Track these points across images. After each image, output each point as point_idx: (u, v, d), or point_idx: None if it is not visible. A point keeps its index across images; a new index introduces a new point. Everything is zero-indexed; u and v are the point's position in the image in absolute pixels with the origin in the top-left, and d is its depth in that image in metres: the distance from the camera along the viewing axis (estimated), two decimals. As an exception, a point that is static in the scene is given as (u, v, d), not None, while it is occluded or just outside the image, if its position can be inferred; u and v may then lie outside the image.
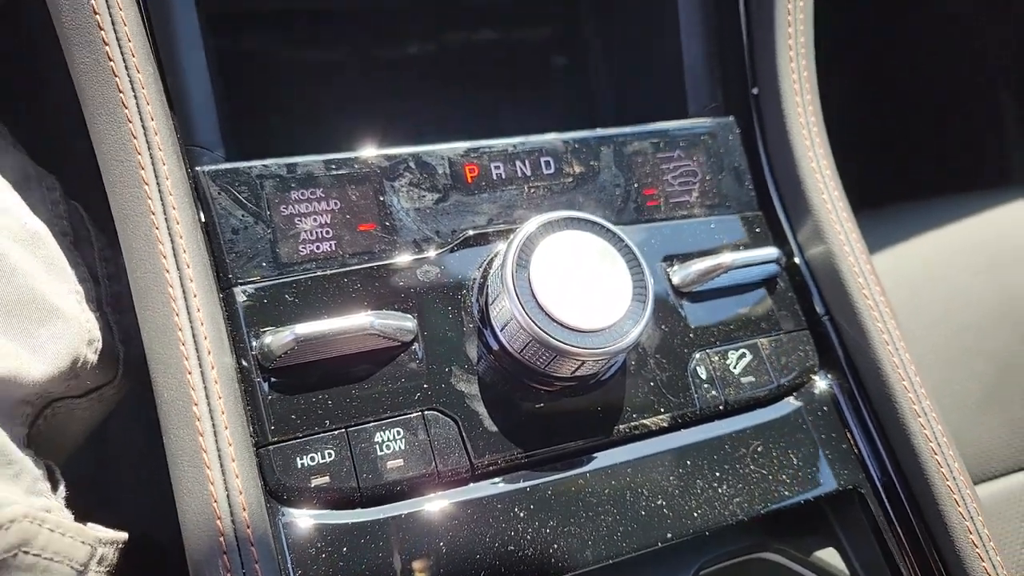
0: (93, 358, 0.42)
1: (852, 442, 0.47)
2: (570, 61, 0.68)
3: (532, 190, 0.47)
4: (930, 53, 1.32)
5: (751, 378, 0.46)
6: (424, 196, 0.45)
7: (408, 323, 0.41)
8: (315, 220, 0.42)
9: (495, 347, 0.42)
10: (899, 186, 1.29)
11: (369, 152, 0.44)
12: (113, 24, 0.37)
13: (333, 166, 0.43)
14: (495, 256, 0.44)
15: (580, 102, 0.67)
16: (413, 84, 0.65)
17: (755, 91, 0.53)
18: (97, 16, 0.36)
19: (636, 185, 0.49)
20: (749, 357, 0.47)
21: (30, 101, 0.62)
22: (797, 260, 0.51)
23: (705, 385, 0.45)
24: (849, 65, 1.39)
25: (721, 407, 0.46)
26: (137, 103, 0.37)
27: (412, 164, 0.45)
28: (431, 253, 0.44)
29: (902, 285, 0.71)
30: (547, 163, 0.48)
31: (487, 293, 0.42)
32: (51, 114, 0.54)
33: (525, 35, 0.67)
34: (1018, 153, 1.23)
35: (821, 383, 0.49)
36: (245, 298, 0.40)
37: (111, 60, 0.36)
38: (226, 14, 0.57)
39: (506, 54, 0.67)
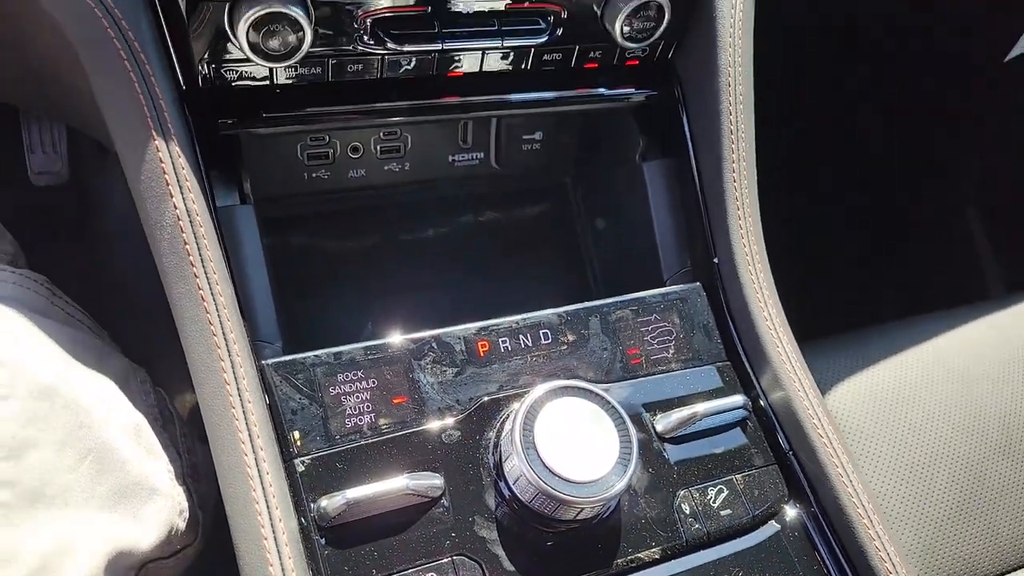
0: (182, 525, 0.51)
1: (821, 563, 0.54)
2: (563, 234, 0.80)
3: (534, 358, 0.57)
4: (894, 172, 1.44)
5: (729, 511, 0.54)
6: (445, 371, 0.54)
7: (436, 480, 0.50)
8: (358, 397, 0.52)
9: (509, 496, 0.50)
10: (870, 305, 1.39)
11: (399, 338, 0.55)
12: (202, 261, 0.48)
13: (371, 352, 0.53)
14: (506, 419, 0.53)
15: (574, 268, 0.79)
16: (432, 260, 0.77)
17: (716, 260, 0.63)
18: (190, 257, 0.47)
19: (621, 347, 0.59)
20: (726, 492, 0.55)
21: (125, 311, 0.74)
22: (763, 403, 0.60)
23: (689, 519, 0.53)
24: (817, 183, 1.51)
25: (704, 538, 0.53)
26: (220, 319, 0.48)
27: (434, 344, 0.55)
28: (452, 419, 0.53)
29: (876, 405, 0.78)
30: (545, 335, 0.58)
31: (500, 451, 0.51)
32: (143, 319, 0.65)
33: (524, 213, 0.80)
34: (988, 269, 1.33)
35: (791, 511, 0.57)
36: (304, 468, 0.49)
37: (200, 289, 0.47)
38: (279, 218, 0.70)
39: (508, 230, 0.79)
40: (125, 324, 0.65)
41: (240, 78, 0.53)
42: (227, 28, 0.49)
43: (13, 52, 0.60)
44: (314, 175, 0.70)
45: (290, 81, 0.54)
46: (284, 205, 0.72)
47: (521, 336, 0.57)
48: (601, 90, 0.64)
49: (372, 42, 0.54)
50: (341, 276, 0.75)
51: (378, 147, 0.71)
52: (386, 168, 0.72)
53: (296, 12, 0.48)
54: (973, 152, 1.35)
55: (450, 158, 0.74)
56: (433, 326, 0.56)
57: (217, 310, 0.48)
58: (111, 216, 1.26)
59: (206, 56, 0.51)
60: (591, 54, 0.62)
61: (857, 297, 1.42)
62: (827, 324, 0.89)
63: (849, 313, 1.20)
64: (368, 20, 0.53)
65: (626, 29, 0.59)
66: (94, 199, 1.28)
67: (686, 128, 0.65)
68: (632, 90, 0.65)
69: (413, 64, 0.56)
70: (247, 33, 0.48)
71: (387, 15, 0.53)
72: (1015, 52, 1.16)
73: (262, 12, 0.47)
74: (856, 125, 1.47)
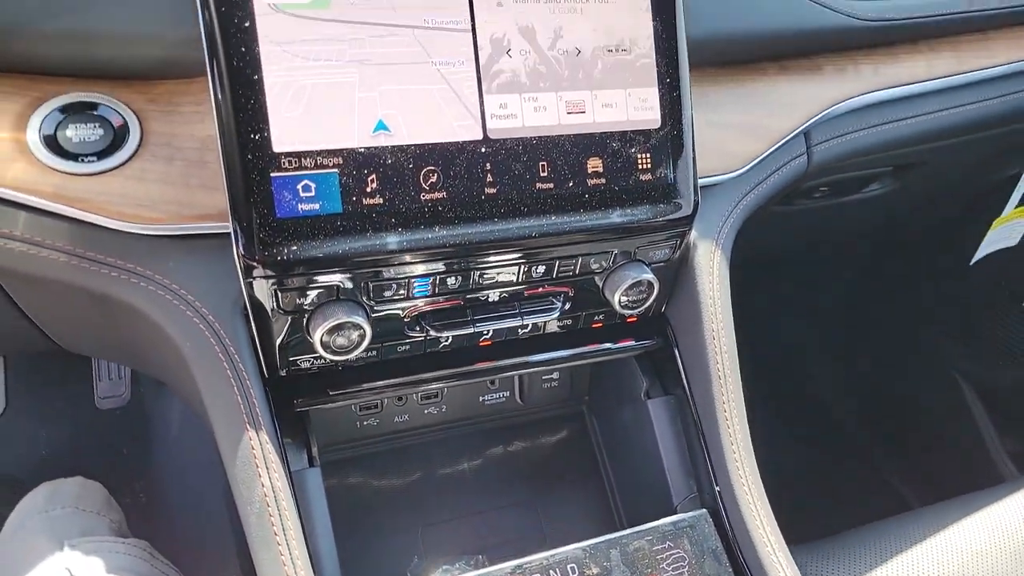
0: None
1: None
2: (584, 458, 0.90)
3: (564, 591, 0.65)
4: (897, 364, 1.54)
5: None
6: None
7: None
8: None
9: None
10: (883, 498, 1.43)
11: (443, 578, 0.63)
12: (284, 531, 0.58)
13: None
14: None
15: (596, 491, 0.88)
16: (469, 490, 0.86)
17: (718, 488, 0.72)
18: (274, 528, 0.57)
19: (639, 574, 0.67)
20: None
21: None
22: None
23: None
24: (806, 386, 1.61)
25: None
26: (297, 576, 0.57)
27: (476, 584, 0.63)
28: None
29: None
30: (572, 568, 0.66)
31: None
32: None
33: (547, 440, 0.90)
34: (998, 454, 1.39)
35: None
36: None
37: (282, 555, 0.57)
38: (333, 461, 0.81)
39: (535, 457, 0.89)
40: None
41: (312, 367, 0.65)
42: (305, 333, 0.62)
43: (105, 332, 0.72)
44: (365, 423, 0.81)
45: (352, 364, 0.67)
46: (338, 449, 0.83)
47: (551, 571, 0.65)
48: (607, 345, 0.77)
49: (417, 330, 0.67)
50: (388, 510, 0.84)
51: (419, 396, 0.83)
52: (426, 412, 0.84)
53: (359, 319, 0.61)
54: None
55: (480, 398, 0.86)
56: (474, 553, 0.64)
57: (296, 572, 0.57)
58: (167, 440, 1.37)
59: (288, 355, 0.63)
60: (595, 317, 0.74)
61: (874, 489, 1.47)
62: (832, 520, 0.95)
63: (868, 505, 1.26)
64: (414, 315, 0.66)
65: (623, 299, 0.71)
66: (153, 423, 1.40)
67: (681, 371, 0.76)
68: (632, 343, 0.77)
69: (450, 341, 0.69)
70: (321, 337, 0.61)
71: (428, 310, 0.66)
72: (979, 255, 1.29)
73: (333, 323, 0.60)
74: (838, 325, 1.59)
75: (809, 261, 1.53)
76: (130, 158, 0.58)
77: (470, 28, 0.62)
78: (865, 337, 1.58)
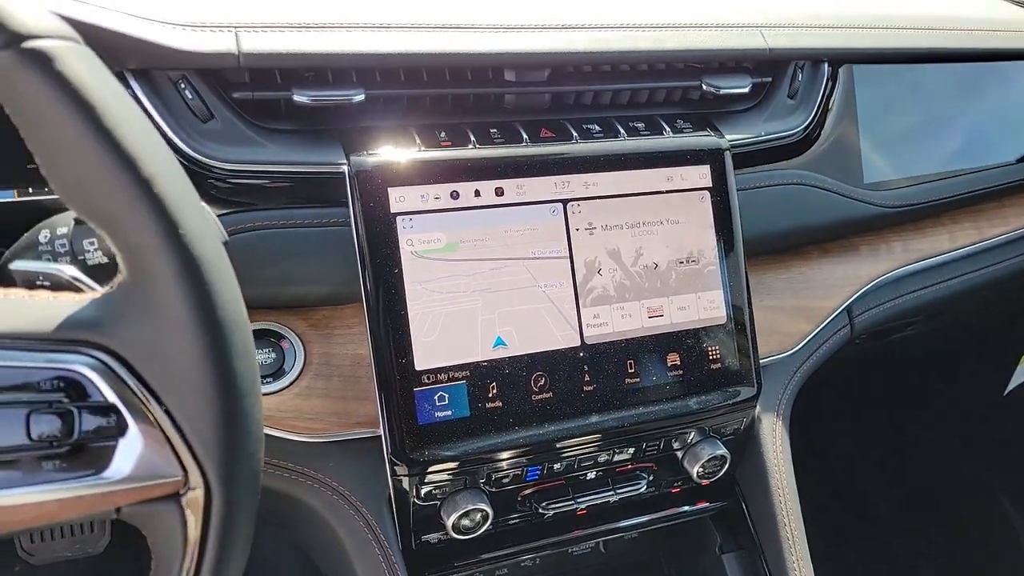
0: None
1: None
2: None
3: None
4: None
5: None
6: None
7: None
8: None
9: None
10: None
11: None
12: None
13: None
14: None
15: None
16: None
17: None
18: None
19: None
20: None
21: None
22: None
23: None
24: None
25: None
26: None
27: None
28: None
29: None
30: None
31: None
32: None
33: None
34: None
35: None
36: None
37: None
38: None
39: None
40: None
41: (439, 542, 0.76)
42: (438, 517, 0.73)
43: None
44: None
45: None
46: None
47: None
48: (685, 508, 0.86)
49: (527, 507, 0.77)
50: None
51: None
52: (522, 565, 0.93)
53: (482, 505, 0.72)
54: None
55: (570, 550, 0.95)
56: None
57: None
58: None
59: (422, 533, 0.74)
60: (674, 484, 0.85)
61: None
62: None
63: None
64: (525, 495, 0.77)
65: (700, 471, 0.81)
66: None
67: (752, 529, 0.86)
68: (707, 504, 0.87)
69: (552, 514, 0.79)
70: (451, 521, 0.72)
71: (534, 491, 0.77)
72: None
73: (462, 511, 0.71)
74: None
75: (856, 391, 1.61)
76: (297, 377, 0.71)
77: (568, 255, 0.75)
78: (911, 458, 1.64)
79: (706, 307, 0.80)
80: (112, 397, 0.41)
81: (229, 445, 0.41)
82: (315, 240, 0.71)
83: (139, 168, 0.38)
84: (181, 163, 0.69)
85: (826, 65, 0.90)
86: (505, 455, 0.72)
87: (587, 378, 0.75)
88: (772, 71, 0.88)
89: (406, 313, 0.69)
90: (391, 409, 0.68)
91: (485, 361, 0.71)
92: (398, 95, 0.74)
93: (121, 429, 0.41)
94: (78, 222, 0.53)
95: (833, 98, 0.91)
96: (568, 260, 0.75)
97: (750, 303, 0.81)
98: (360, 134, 0.71)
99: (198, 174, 0.67)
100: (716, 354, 0.80)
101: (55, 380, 0.41)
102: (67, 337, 0.41)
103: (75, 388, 0.41)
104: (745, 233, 0.82)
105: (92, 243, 0.52)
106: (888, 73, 0.97)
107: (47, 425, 0.40)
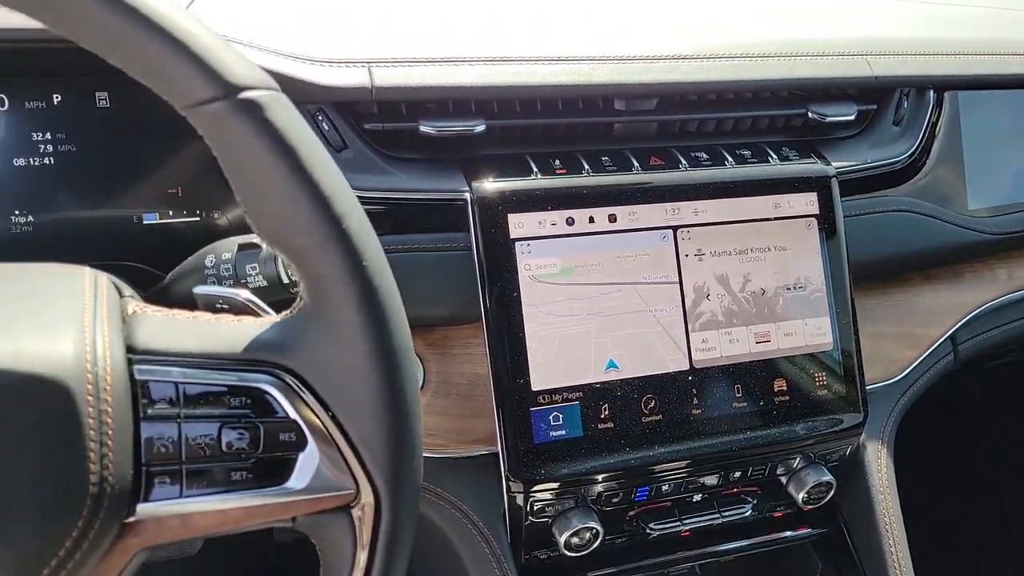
0: None
1: None
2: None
3: None
4: None
5: None
6: None
7: None
8: None
9: None
10: None
11: None
12: None
13: None
14: None
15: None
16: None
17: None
18: None
19: None
20: None
21: None
22: None
23: None
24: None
25: None
26: None
27: None
28: None
29: None
30: None
31: None
32: None
33: None
34: None
35: None
36: None
37: None
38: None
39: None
40: None
41: (548, 559, 0.78)
42: (549, 534, 0.75)
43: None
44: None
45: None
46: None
47: None
48: (787, 533, 0.87)
49: (634, 526, 0.79)
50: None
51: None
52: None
53: (593, 523, 0.74)
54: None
55: (668, 571, 0.96)
56: None
57: None
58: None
59: (532, 549, 0.76)
60: (777, 509, 0.85)
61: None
62: None
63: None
64: (632, 514, 0.78)
65: (805, 497, 0.82)
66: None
67: (856, 559, 0.85)
68: (809, 530, 0.87)
69: (657, 534, 0.81)
70: (563, 538, 0.74)
71: (641, 511, 0.78)
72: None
73: (574, 529, 0.73)
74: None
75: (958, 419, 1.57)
76: (418, 395, 0.74)
77: (678, 281, 0.76)
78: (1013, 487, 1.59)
79: (813, 333, 0.80)
80: (293, 414, 0.44)
81: (398, 462, 0.44)
82: (436, 263, 0.74)
83: (332, 207, 0.41)
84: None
85: (931, 92, 0.90)
86: (616, 475, 0.74)
87: (695, 402, 0.76)
88: (877, 98, 0.89)
89: (523, 335, 0.71)
90: (508, 428, 0.71)
91: (598, 383, 0.73)
92: (514, 125, 0.77)
93: (301, 444, 0.44)
94: (241, 248, 0.57)
95: (938, 125, 0.91)
96: (678, 285, 0.76)
97: (856, 330, 0.82)
98: (479, 162, 0.75)
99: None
100: (822, 380, 0.80)
101: (243, 397, 0.44)
102: (254, 358, 0.45)
103: (260, 405, 0.44)
104: (849, 259, 0.82)
105: (253, 268, 0.57)
106: (993, 98, 0.97)
107: (237, 438, 0.44)
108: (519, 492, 0.72)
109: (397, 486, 0.45)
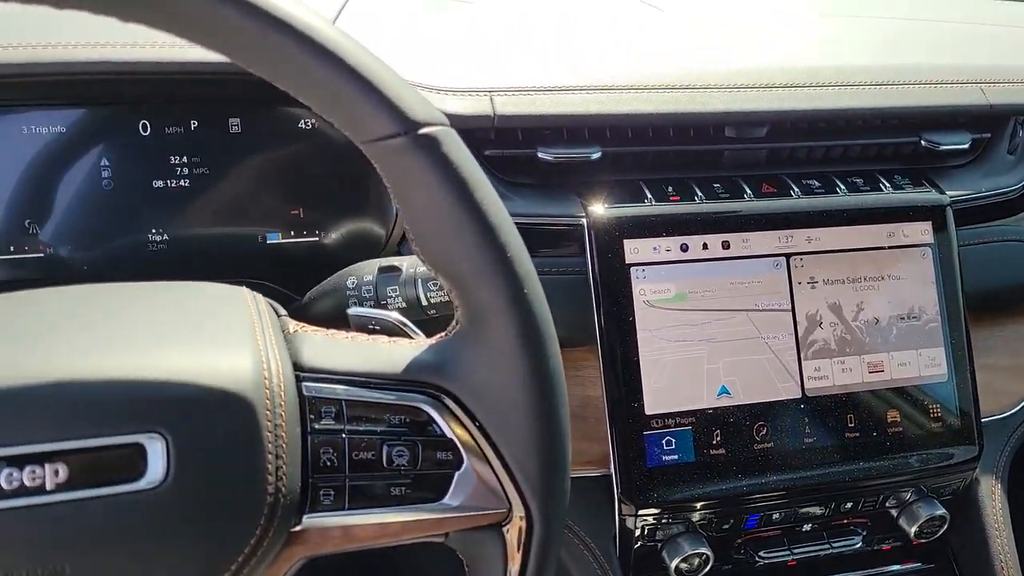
0: None
1: None
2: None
3: None
4: None
5: None
6: None
7: None
8: None
9: None
10: None
11: None
12: None
13: None
14: None
15: None
16: None
17: None
18: None
19: None
20: None
21: None
22: None
23: None
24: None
25: None
26: None
27: None
28: None
29: None
30: None
31: None
32: None
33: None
34: None
35: None
36: None
37: None
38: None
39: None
40: None
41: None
42: (659, 558, 0.75)
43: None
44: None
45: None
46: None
47: None
48: (894, 567, 0.85)
49: (742, 554, 0.79)
50: None
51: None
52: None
53: (703, 549, 0.74)
54: None
55: None
56: None
57: None
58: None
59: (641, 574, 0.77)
60: (886, 542, 0.84)
61: None
62: None
63: None
64: (744, 539, 0.78)
65: (916, 531, 0.80)
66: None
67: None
68: (919, 564, 0.86)
69: (763, 562, 0.80)
70: (674, 564, 0.74)
71: (751, 538, 0.78)
72: None
73: (684, 554, 0.74)
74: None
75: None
76: (531, 415, 0.76)
77: (790, 308, 0.76)
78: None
79: (927, 364, 0.79)
80: (450, 433, 0.46)
81: (550, 483, 0.46)
82: (550, 287, 0.75)
83: (497, 237, 0.43)
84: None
85: (1047, 120, 0.89)
86: (727, 502, 0.74)
87: (808, 430, 0.76)
88: (991, 126, 0.87)
89: (638, 360, 0.72)
90: (622, 451, 0.71)
91: (710, 409, 0.74)
92: (627, 152, 0.79)
93: (457, 463, 0.46)
94: (381, 271, 0.60)
95: (1055, 154, 0.89)
96: (790, 313, 0.76)
97: (971, 361, 0.80)
98: (594, 188, 0.76)
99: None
100: (936, 412, 0.79)
101: (403, 416, 0.46)
102: (413, 378, 0.47)
103: (418, 424, 0.46)
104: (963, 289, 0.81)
105: (394, 290, 0.59)
106: (1110, 126, 0.94)
107: (398, 455, 0.46)
108: (630, 515, 0.72)
109: (549, 506, 0.46)
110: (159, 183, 0.80)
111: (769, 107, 0.80)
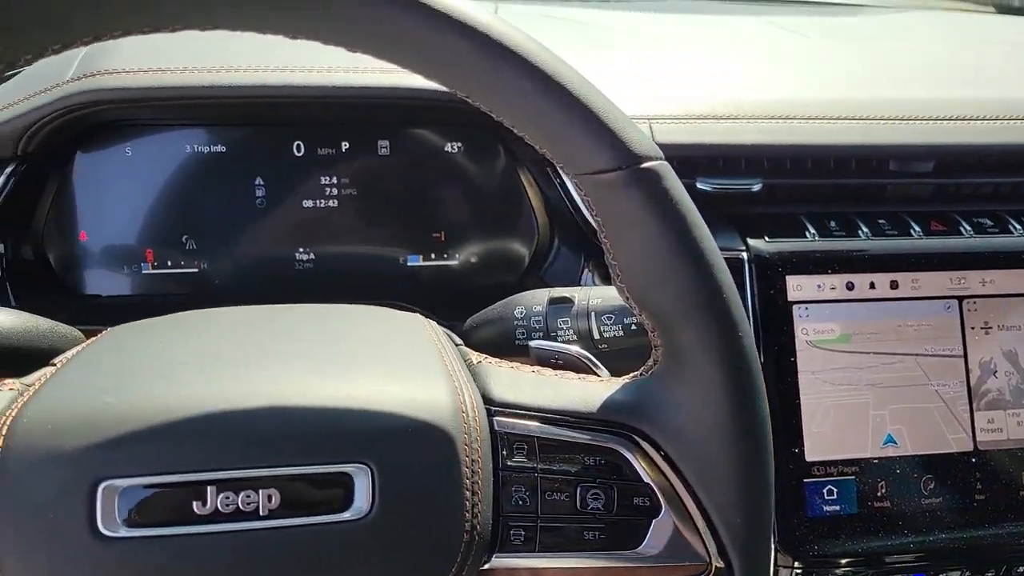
0: None
1: None
2: None
3: None
4: None
5: None
6: None
7: None
8: None
9: None
10: None
11: None
12: None
13: None
14: None
15: None
16: None
17: None
18: None
19: None
20: None
21: None
22: None
23: None
24: None
25: None
26: None
27: None
28: None
29: None
30: None
31: None
32: None
33: None
34: None
35: None
36: None
37: None
38: None
39: None
40: None
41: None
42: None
43: None
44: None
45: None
46: None
47: None
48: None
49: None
50: None
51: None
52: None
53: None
54: None
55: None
56: None
57: None
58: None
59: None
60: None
61: None
62: None
63: None
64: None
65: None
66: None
67: None
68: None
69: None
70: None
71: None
72: None
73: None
74: None
75: None
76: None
77: (962, 354, 0.72)
78: None
79: (1113, 421, 0.73)
80: (647, 478, 0.44)
81: (755, 536, 0.43)
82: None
83: (713, 276, 0.41)
84: (595, 242, 0.75)
85: None
86: (891, 558, 0.69)
87: (979, 486, 0.70)
88: None
89: (799, 402, 0.69)
90: (782, 499, 0.68)
91: (875, 458, 0.69)
92: (785, 184, 0.76)
93: (655, 510, 0.44)
94: (552, 302, 0.58)
95: None
96: (962, 359, 0.72)
97: None
98: (753, 221, 0.73)
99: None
100: (1123, 473, 0.72)
101: (598, 457, 0.45)
102: (609, 418, 0.45)
103: (614, 467, 0.44)
104: None
105: (565, 322, 0.58)
106: None
107: (593, 498, 0.44)
108: (786, 567, 0.69)
109: (752, 560, 0.43)
110: (308, 203, 0.81)
111: (937, 141, 0.76)
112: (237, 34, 0.38)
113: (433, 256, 0.84)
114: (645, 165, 0.40)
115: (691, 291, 0.41)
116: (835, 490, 0.69)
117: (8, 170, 0.70)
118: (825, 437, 0.69)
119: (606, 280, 0.75)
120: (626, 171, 0.40)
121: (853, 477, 0.69)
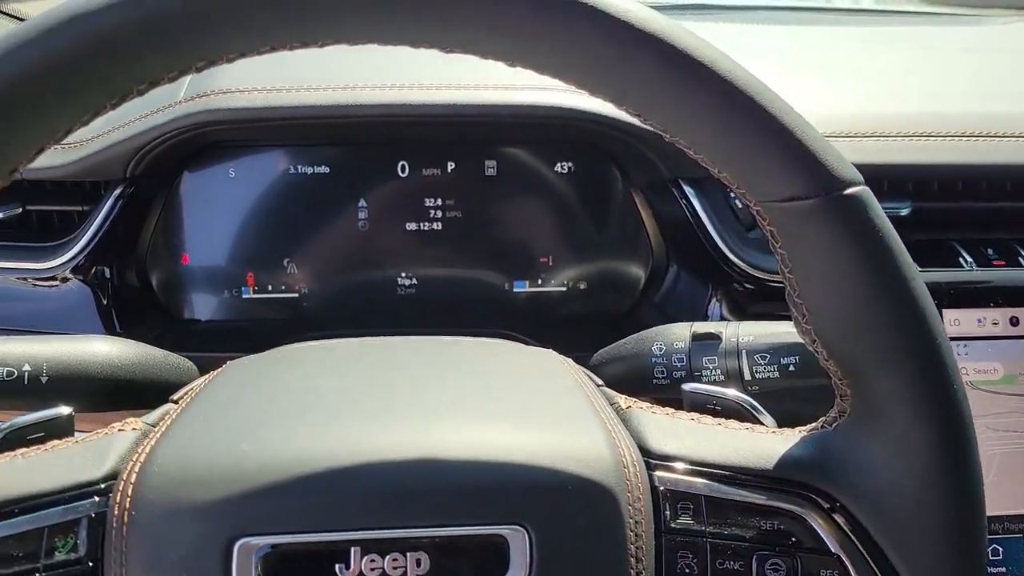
0: None
1: None
2: None
3: None
4: None
5: None
6: None
7: None
8: None
9: None
10: None
11: None
12: None
13: None
14: None
15: None
16: None
17: None
18: None
19: None
20: None
21: None
22: None
23: None
24: None
25: None
26: None
27: None
28: None
29: None
30: None
31: None
32: None
33: None
34: None
35: None
36: None
37: None
38: None
39: None
40: None
41: None
42: None
43: None
44: None
45: None
46: None
47: None
48: None
49: None
50: None
51: None
52: None
53: None
54: None
55: None
56: None
57: None
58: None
59: None
60: None
61: None
62: None
63: None
64: None
65: None
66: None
67: None
68: None
69: None
70: None
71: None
72: None
73: None
74: None
75: None
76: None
77: None
78: None
79: None
80: (835, 548, 0.38)
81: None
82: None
83: (927, 319, 0.36)
84: (725, 269, 0.70)
85: None
86: (1066, 632, 0.61)
87: None
88: None
89: (959, 450, 0.62)
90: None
91: (1046, 515, 0.62)
92: (933, 208, 0.69)
93: (845, 583, 0.38)
94: (696, 338, 0.53)
95: None
96: None
97: None
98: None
99: (736, 279, 0.67)
100: None
101: (775, 521, 0.39)
102: (788, 477, 0.39)
103: (794, 533, 0.39)
104: None
105: (711, 360, 0.52)
106: None
107: (772, 568, 0.38)
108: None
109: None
110: (412, 225, 0.78)
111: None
112: (339, 51, 0.34)
113: (540, 282, 0.80)
114: (848, 192, 0.35)
115: (898, 334, 0.36)
116: (1000, 550, 0.61)
117: (116, 192, 0.68)
118: (989, 489, 0.61)
119: (736, 311, 0.70)
120: (825, 198, 0.35)
121: (1021, 536, 0.61)
